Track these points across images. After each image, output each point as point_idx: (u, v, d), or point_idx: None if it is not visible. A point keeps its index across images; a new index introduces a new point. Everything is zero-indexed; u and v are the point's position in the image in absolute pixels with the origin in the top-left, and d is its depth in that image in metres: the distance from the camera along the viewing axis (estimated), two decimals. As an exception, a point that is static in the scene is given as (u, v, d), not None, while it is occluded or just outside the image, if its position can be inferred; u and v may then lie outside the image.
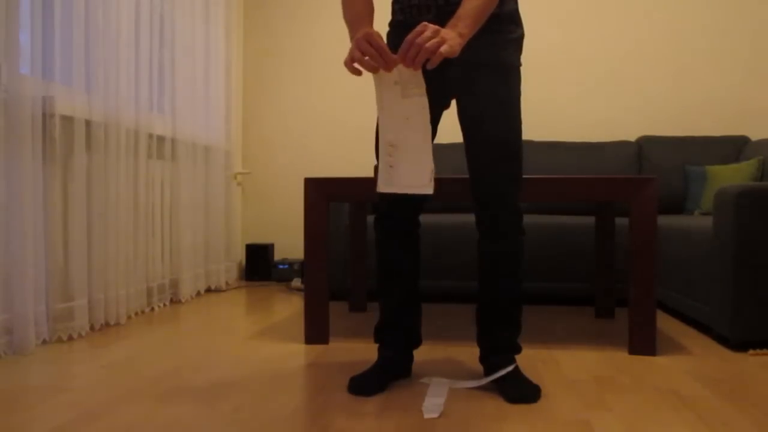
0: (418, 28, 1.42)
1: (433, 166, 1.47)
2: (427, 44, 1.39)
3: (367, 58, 1.46)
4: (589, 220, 3.12)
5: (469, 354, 2.12)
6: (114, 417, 1.49)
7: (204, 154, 3.52)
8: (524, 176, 2.22)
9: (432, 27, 1.42)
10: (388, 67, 1.46)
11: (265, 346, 2.24)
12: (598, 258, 2.76)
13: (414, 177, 1.48)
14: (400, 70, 1.47)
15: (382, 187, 1.51)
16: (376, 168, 3.76)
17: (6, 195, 2.09)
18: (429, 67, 1.43)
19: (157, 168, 3.02)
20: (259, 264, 4.01)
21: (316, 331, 2.26)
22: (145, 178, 2.87)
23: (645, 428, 1.43)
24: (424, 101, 1.47)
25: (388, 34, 1.82)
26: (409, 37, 1.42)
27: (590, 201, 2.14)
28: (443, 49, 1.40)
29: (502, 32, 1.69)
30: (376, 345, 2.20)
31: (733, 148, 3.57)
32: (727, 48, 3.81)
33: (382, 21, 1.97)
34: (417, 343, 1.87)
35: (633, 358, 2.09)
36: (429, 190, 1.47)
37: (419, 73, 1.45)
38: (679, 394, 1.68)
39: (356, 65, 1.47)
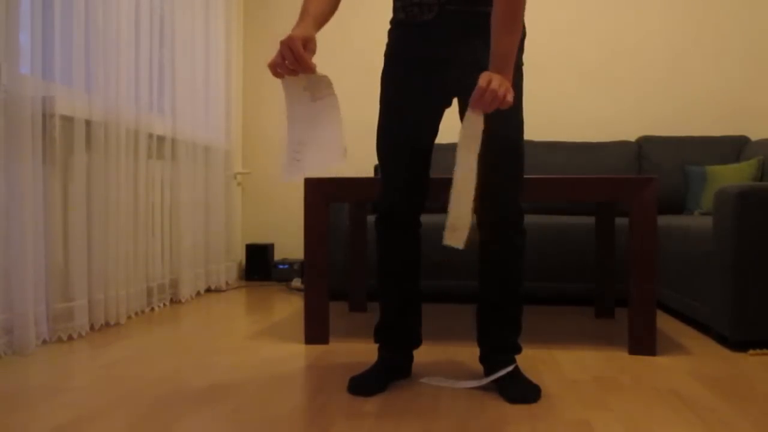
0: (482, 81, 1.46)
1: (345, 145, 1.55)
2: (499, 93, 1.45)
3: (287, 63, 1.48)
4: (589, 220, 3.12)
5: (469, 354, 2.12)
6: (114, 417, 1.49)
7: (204, 154, 3.52)
8: (525, 176, 2.21)
9: (496, 75, 1.47)
10: (306, 72, 1.49)
11: (265, 346, 2.24)
12: (598, 258, 2.76)
13: (323, 160, 1.54)
14: (308, 77, 1.52)
15: (286, 178, 1.56)
16: (375, 168, 3.73)
17: (6, 195, 2.09)
18: (502, 107, 1.49)
19: (157, 168, 3.02)
20: (259, 264, 4.01)
21: (316, 331, 2.26)
22: (145, 178, 2.87)
23: (645, 428, 1.43)
24: (333, 100, 1.52)
25: (390, 32, 1.81)
26: (482, 84, 1.46)
27: (590, 201, 2.14)
28: (510, 98, 1.47)
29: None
30: (376, 345, 2.19)
31: (733, 148, 3.57)
32: (727, 48, 3.81)
33: (382, 19, 1.97)
34: (417, 343, 1.87)
35: (633, 358, 2.09)
36: (340, 163, 1.54)
37: (326, 77, 1.51)
38: (679, 394, 1.68)
39: (278, 69, 1.50)
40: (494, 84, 1.45)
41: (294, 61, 1.47)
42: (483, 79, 1.47)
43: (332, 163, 1.54)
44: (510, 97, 1.47)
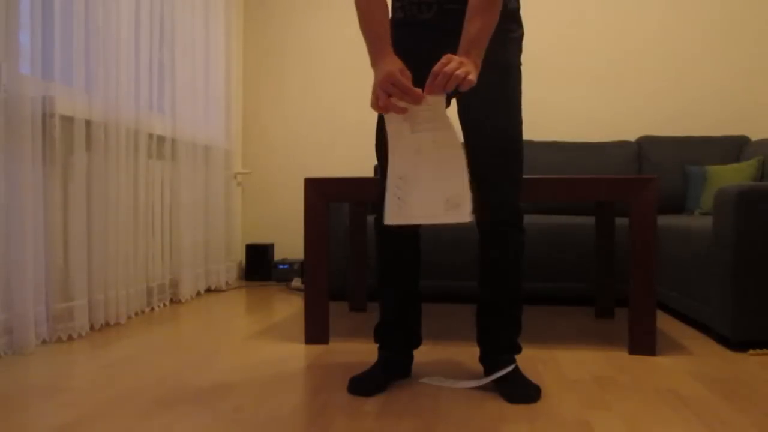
0: (443, 59, 1.45)
1: (459, 196, 1.44)
2: (457, 72, 1.42)
3: (393, 100, 1.46)
4: (589, 220, 3.12)
5: (469, 354, 2.12)
6: (114, 417, 1.49)
7: (204, 154, 3.52)
8: (524, 176, 2.22)
9: (456, 58, 1.45)
10: (417, 103, 1.46)
11: (265, 346, 2.24)
12: (598, 258, 2.76)
13: (426, 207, 1.47)
14: (410, 107, 1.47)
15: (391, 219, 1.49)
16: (375, 168, 3.73)
17: (6, 195, 2.09)
18: (462, 90, 1.45)
19: (157, 168, 3.02)
20: (259, 264, 4.01)
21: (316, 331, 2.26)
22: (145, 178, 2.87)
23: (645, 428, 1.43)
24: (435, 135, 1.46)
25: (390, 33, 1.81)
26: (436, 68, 1.44)
27: (590, 201, 2.14)
28: (471, 77, 1.43)
29: (503, 31, 1.69)
30: (376, 345, 2.20)
31: (733, 148, 3.57)
32: (727, 48, 3.81)
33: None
34: (417, 343, 1.87)
35: (633, 358, 2.09)
36: (448, 219, 1.45)
37: (431, 109, 1.46)
38: (679, 394, 1.68)
39: (383, 105, 1.47)
40: (451, 66, 1.43)
41: (402, 94, 1.44)
42: (440, 62, 1.45)
43: (436, 220, 1.44)
44: (472, 77, 1.43)
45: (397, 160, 1.50)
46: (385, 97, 1.46)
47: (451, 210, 1.44)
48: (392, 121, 1.50)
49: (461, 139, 1.47)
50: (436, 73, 1.44)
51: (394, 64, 1.51)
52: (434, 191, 1.46)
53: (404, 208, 1.48)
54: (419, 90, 1.46)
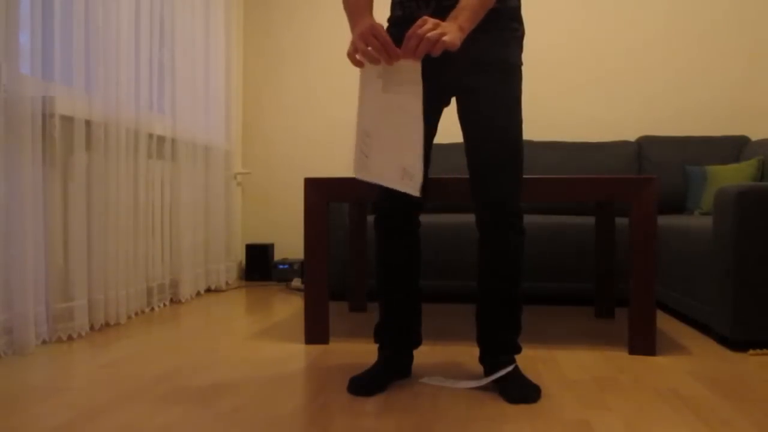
0: (419, 22, 1.46)
1: (414, 168, 1.48)
2: (429, 35, 1.43)
3: (370, 49, 1.49)
4: (589, 220, 3.12)
5: (469, 354, 2.12)
6: (114, 417, 1.49)
7: (204, 154, 3.52)
8: (524, 176, 2.22)
9: (432, 20, 1.46)
10: (391, 61, 1.49)
11: (265, 346, 2.24)
12: (598, 258, 2.76)
13: (386, 170, 1.51)
14: (385, 66, 1.50)
15: (357, 173, 1.54)
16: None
17: (6, 195, 2.09)
18: (434, 54, 1.46)
19: (157, 168, 3.02)
20: (259, 264, 4.01)
21: (316, 331, 2.26)
22: (145, 178, 2.87)
23: (645, 428, 1.43)
24: (402, 99, 1.49)
25: (387, 30, 1.81)
26: (410, 31, 1.46)
27: (590, 201, 2.14)
28: (446, 38, 1.43)
29: (504, 30, 1.69)
30: (376, 345, 2.19)
31: (733, 148, 3.57)
32: (727, 48, 3.81)
33: (380, 19, 1.96)
34: (417, 343, 1.87)
35: (633, 358, 2.08)
36: (402, 188, 1.49)
37: (404, 71, 1.48)
38: (679, 394, 1.68)
39: (359, 57, 1.51)
40: (425, 28, 1.43)
41: (380, 48, 1.46)
42: (415, 24, 1.45)
43: (394, 186, 1.49)
44: (449, 38, 1.43)
45: (365, 112, 1.53)
46: (363, 47, 1.48)
47: (406, 179, 1.49)
48: (365, 76, 1.52)
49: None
50: (409, 36, 1.45)
51: (376, 22, 1.53)
52: (393, 157, 1.50)
53: (367, 165, 1.53)
54: (398, 49, 1.47)
